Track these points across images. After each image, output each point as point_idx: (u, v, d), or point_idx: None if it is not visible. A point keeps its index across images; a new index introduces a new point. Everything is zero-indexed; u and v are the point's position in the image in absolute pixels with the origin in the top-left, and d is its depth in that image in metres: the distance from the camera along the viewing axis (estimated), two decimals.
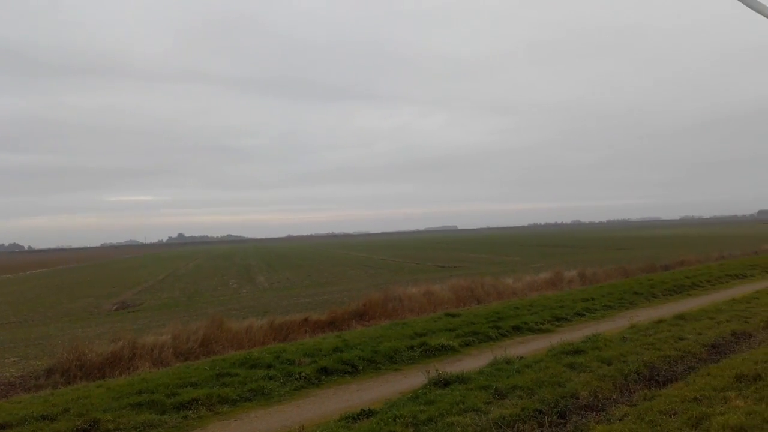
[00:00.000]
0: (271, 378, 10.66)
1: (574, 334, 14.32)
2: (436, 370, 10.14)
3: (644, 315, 16.87)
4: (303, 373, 10.96)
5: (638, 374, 10.08)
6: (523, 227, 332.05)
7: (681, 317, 15.40)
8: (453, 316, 16.98)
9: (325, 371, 11.28)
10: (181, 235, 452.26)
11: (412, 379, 10.71)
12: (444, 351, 13.11)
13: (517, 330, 15.40)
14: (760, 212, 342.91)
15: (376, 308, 19.45)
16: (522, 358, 11.23)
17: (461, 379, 9.75)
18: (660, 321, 14.94)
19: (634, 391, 9.07)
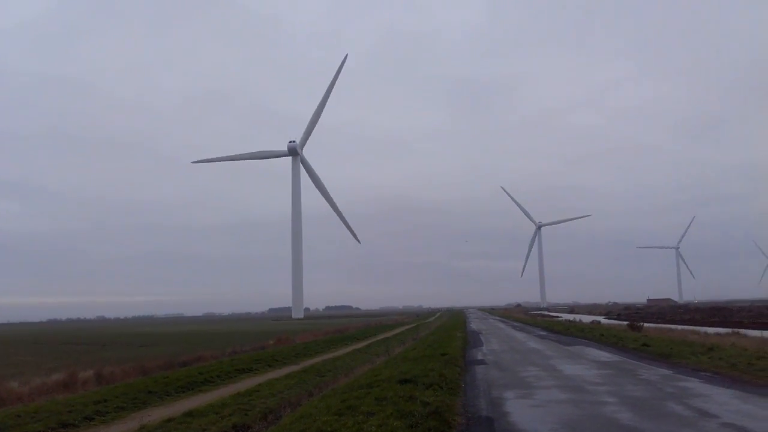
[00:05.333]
0: None
1: None
2: None
3: (156, 414, 17.30)
4: None
5: None
6: (40, 323, 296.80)
7: (190, 414, 16.38)
8: None
9: None
10: None
11: None
12: None
13: None
14: (270, 310, 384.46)
15: None
16: None
17: None
18: (170, 419, 15.61)
19: None
